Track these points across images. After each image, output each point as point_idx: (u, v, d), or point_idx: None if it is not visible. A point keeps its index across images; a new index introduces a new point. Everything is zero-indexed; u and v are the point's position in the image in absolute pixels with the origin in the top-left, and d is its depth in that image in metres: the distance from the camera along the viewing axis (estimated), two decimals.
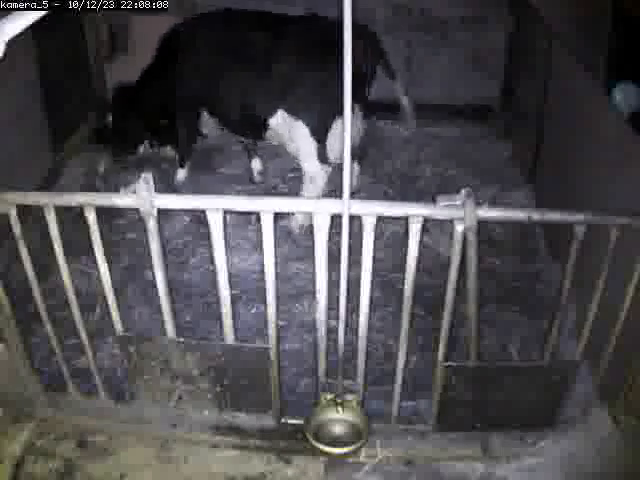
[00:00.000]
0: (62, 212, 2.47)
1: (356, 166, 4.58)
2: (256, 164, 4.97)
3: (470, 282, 2.40)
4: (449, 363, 2.58)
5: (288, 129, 4.08)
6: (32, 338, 3.25)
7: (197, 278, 3.96)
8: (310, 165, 4.12)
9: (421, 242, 2.31)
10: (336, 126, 3.99)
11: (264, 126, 4.17)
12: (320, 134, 4.03)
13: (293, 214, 4.31)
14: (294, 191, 4.69)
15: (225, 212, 2.32)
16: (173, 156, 4.98)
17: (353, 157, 4.29)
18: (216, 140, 5.32)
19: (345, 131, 2.02)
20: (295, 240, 4.26)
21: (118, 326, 2.63)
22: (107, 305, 2.60)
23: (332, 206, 2.23)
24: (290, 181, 4.90)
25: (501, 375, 2.68)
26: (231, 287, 2.49)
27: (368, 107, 4.28)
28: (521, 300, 3.79)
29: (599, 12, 3.48)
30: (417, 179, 4.92)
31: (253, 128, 4.27)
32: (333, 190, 4.09)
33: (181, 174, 4.85)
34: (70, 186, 4.68)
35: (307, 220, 4.29)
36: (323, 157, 4.10)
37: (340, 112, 3.90)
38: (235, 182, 4.90)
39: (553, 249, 4.07)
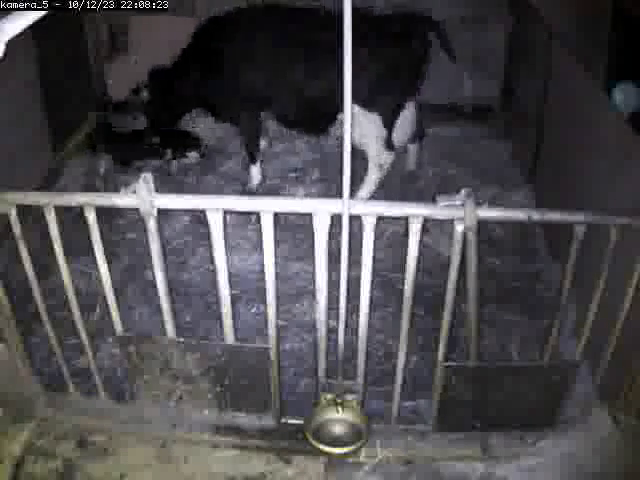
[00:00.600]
0: (62, 212, 2.47)
1: (417, 145, 4.82)
2: (256, 172, 4.84)
3: (470, 282, 2.40)
4: (449, 363, 2.58)
5: (359, 121, 4.16)
6: (32, 338, 3.25)
7: (197, 278, 3.96)
8: (379, 153, 4.30)
9: (421, 242, 2.31)
10: (402, 114, 4.30)
11: (332, 121, 4.29)
12: (390, 123, 4.26)
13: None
14: (293, 192, 4.72)
15: (225, 212, 2.32)
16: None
17: (413, 139, 4.76)
18: (216, 141, 5.34)
19: (345, 131, 2.02)
20: (295, 240, 4.26)
21: (118, 326, 2.63)
22: (107, 305, 2.60)
23: (332, 206, 2.23)
24: (290, 181, 4.90)
25: (501, 375, 2.68)
26: (231, 287, 2.49)
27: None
28: (521, 300, 3.79)
29: (599, 12, 3.48)
30: (417, 179, 4.92)
31: (320, 123, 4.36)
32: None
33: (255, 172, 4.81)
34: (70, 186, 4.68)
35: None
36: (390, 144, 4.32)
37: (410, 95, 4.30)
38: (235, 182, 4.90)
39: (553, 249, 4.07)
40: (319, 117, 4.32)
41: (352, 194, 3.93)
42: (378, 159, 4.32)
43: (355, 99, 3.94)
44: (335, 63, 3.98)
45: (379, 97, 4.15)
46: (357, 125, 4.16)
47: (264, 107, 4.52)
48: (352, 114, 4.01)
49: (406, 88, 4.32)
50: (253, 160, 4.77)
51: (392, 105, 4.26)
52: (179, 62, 4.72)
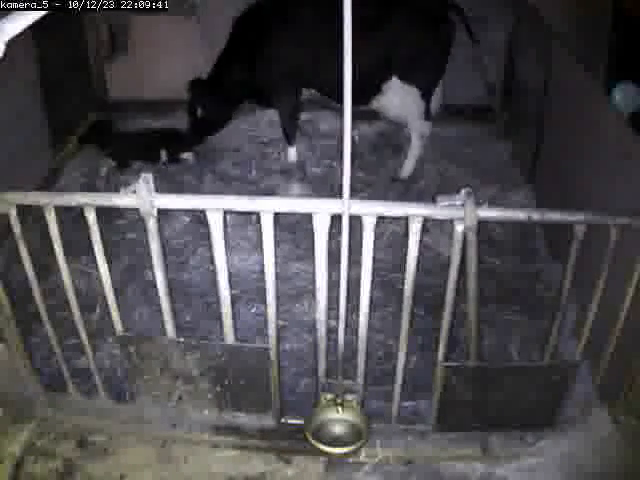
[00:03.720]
0: (62, 212, 2.47)
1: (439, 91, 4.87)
2: (294, 153, 4.98)
3: (470, 282, 2.40)
4: (449, 363, 2.58)
5: (400, 93, 4.46)
6: (32, 338, 3.25)
7: (197, 278, 3.96)
8: (419, 124, 4.63)
9: (421, 242, 2.31)
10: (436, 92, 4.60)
11: (375, 91, 4.49)
12: (429, 95, 4.56)
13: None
14: (287, 189, 4.71)
15: (225, 212, 2.32)
16: None
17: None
18: (216, 140, 5.34)
19: (345, 131, 2.02)
20: (295, 240, 4.26)
21: (118, 326, 2.63)
22: (107, 305, 2.60)
23: (332, 206, 2.23)
24: (287, 180, 4.90)
25: (501, 375, 2.68)
26: (231, 287, 2.49)
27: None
28: (521, 300, 3.79)
29: (599, 12, 3.49)
30: (417, 179, 4.92)
31: (363, 94, 4.41)
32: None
33: (292, 153, 4.97)
34: (70, 186, 4.68)
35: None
36: (428, 115, 4.63)
37: (442, 72, 4.58)
38: (235, 182, 4.90)
39: (553, 249, 4.07)
40: (364, 88, 4.38)
41: (397, 171, 4.52)
42: (420, 129, 4.63)
43: (396, 72, 4.43)
44: (375, 37, 4.26)
45: (418, 72, 4.45)
46: (397, 97, 4.48)
47: (311, 84, 4.66)
48: (392, 87, 4.43)
49: (440, 66, 4.58)
50: (290, 141, 4.92)
51: (429, 80, 4.55)
52: (223, 58, 4.79)
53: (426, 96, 4.56)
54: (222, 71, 4.81)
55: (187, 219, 4.39)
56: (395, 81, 4.46)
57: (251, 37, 4.61)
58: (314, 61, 4.41)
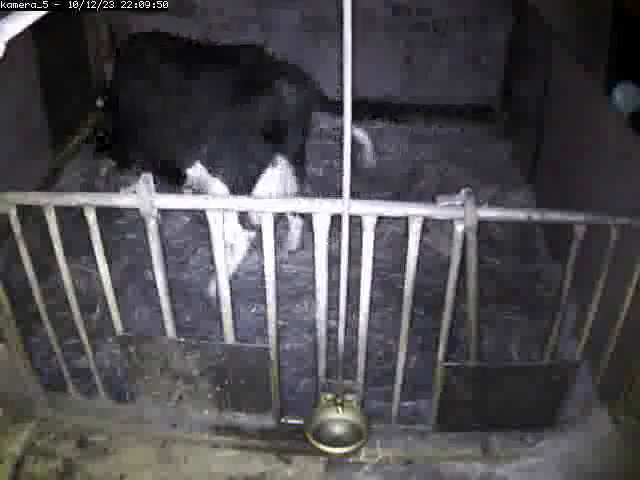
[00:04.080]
0: (62, 212, 2.47)
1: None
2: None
3: (470, 282, 2.40)
4: (449, 363, 2.58)
5: (205, 184, 3.46)
6: (32, 338, 3.25)
7: (197, 278, 3.96)
8: (228, 229, 3.21)
9: (421, 242, 2.31)
10: (262, 183, 3.36)
11: (183, 177, 3.55)
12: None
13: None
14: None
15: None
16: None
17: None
18: None
19: (345, 131, 2.01)
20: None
21: (118, 326, 2.63)
22: (107, 305, 2.60)
23: (332, 206, 2.23)
24: None
25: (501, 375, 2.68)
26: (231, 287, 2.49)
27: (301, 158, 3.62)
28: (521, 300, 3.79)
29: (599, 12, 3.49)
30: (417, 179, 4.92)
31: (172, 176, 3.60)
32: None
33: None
34: (70, 186, 4.68)
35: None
36: (243, 219, 3.44)
37: (264, 166, 3.36)
38: None
39: (553, 249, 4.07)
40: (170, 168, 3.58)
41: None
42: (228, 238, 3.19)
43: (198, 155, 3.32)
44: (184, 110, 3.33)
45: (218, 159, 3.37)
46: (205, 188, 3.48)
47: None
48: (196, 173, 3.37)
49: (256, 154, 3.39)
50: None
51: (239, 174, 3.38)
52: None
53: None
54: None
55: (187, 219, 4.40)
56: (200, 167, 3.43)
57: None
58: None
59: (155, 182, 2.23)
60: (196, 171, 3.47)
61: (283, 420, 2.82)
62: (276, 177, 3.44)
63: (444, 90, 5.65)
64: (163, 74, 3.54)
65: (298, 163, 3.57)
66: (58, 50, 4.81)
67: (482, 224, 2.24)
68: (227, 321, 2.55)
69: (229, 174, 3.38)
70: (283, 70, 3.50)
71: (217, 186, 3.42)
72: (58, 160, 4.87)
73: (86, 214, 2.37)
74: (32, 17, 1.76)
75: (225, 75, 3.41)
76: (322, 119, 5.55)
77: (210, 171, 3.42)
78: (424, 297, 3.43)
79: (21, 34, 1.73)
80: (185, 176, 3.54)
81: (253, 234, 3.49)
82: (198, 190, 3.59)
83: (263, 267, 2.39)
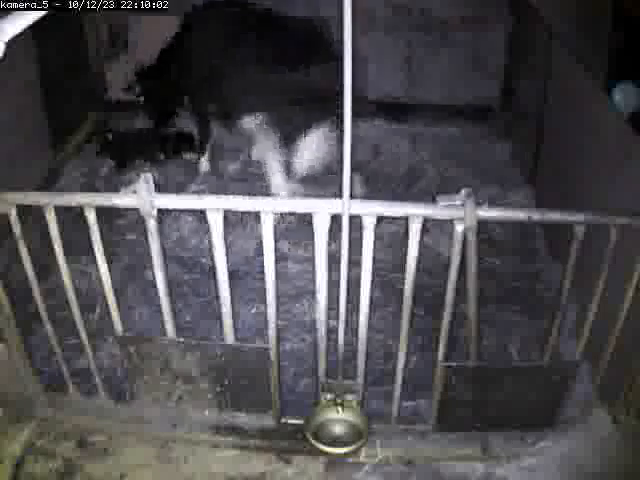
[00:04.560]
0: (62, 212, 2.47)
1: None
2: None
3: (470, 282, 2.40)
4: (449, 363, 2.58)
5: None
6: (32, 338, 3.24)
7: (197, 278, 3.96)
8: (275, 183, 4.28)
9: (421, 242, 2.31)
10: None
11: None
12: None
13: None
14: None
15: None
16: None
17: None
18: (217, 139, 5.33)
19: (345, 131, 2.02)
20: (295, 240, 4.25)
21: (118, 326, 2.63)
22: (107, 305, 2.60)
23: (332, 206, 2.23)
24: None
25: (501, 375, 2.68)
26: (231, 287, 2.49)
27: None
28: (521, 300, 3.79)
29: (599, 12, 3.48)
30: (417, 179, 4.91)
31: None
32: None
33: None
34: (70, 186, 4.68)
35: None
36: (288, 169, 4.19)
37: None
38: (235, 182, 4.89)
39: (553, 249, 4.07)
40: None
41: None
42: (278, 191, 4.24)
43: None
44: None
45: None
46: None
47: None
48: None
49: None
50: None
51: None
52: None
53: None
54: None
55: (189, 219, 4.38)
56: None
57: None
58: None
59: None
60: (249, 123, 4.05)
61: (283, 420, 2.82)
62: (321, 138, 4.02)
63: (444, 90, 5.65)
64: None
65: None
66: (58, 50, 4.81)
67: (482, 224, 2.24)
68: (227, 321, 2.55)
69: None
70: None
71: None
72: (58, 160, 4.87)
73: (86, 214, 2.37)
74: (32, 17, 1.76)
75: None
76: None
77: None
78: (424, 297, 3.42)
79: (21, 34, 1.73)
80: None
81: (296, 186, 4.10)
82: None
83: (263, 267, 2.39)
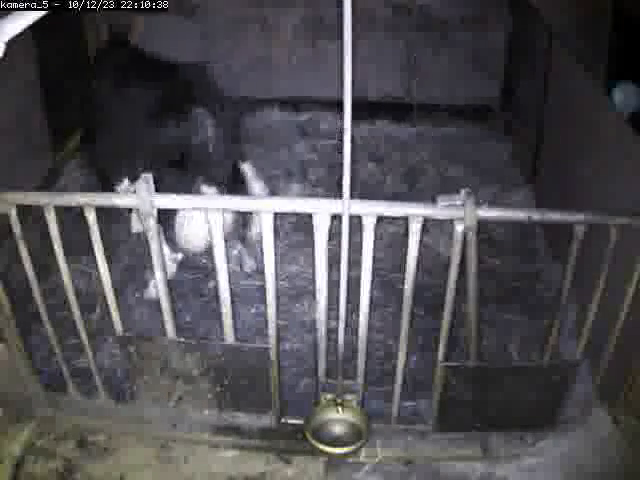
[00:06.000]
0: (62, 212, 2.47)
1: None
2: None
3: (470, 282, 2.40)
4: (449, 363, 2.58)
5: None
6: (32, 338, 3.24)
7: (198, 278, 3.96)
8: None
9: (421, 242, 2.31)
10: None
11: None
12: None
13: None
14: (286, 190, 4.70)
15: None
16: None
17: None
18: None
19: (345, 131, 2.02)
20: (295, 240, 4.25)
21: (118, 326, 2.63)
22: (107, 305, 2.60)
23: (332, 206, 2.23)
24: (286, 180, 4.90)
25: (501, 375, 2.68)
26: (231, 287, 2.49)
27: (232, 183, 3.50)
28: (521, 300, 3.79)
29: (599, 12, 3.48)
30: (417, 179, 4.92)
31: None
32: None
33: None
34: (70, 186, 4.68)
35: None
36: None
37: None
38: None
39: (553, 249, 4.07)
40: None
41: None
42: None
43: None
44: None
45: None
46: None
47: None
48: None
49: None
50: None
51: None
52: None
53: None
54: None
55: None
56: None
57: None
58: None
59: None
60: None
61: (283, 420, 2.82)
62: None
63: (444, 90, 5.65)
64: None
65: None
66: (58, 50, 4.81)
67: (482, 224, 2.24)
68: (227, 321, 2.55)
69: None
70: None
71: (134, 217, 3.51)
72: (58, 160, 4.86)
73: (86, 214, 2.37)
74: (32, 17, 1.76)
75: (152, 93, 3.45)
76: (322, 119, 5.57)
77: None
78: (424, 297, 3.43)
79: (21, 34, 1.73)
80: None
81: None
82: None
83: (263, 267, 2.39)
